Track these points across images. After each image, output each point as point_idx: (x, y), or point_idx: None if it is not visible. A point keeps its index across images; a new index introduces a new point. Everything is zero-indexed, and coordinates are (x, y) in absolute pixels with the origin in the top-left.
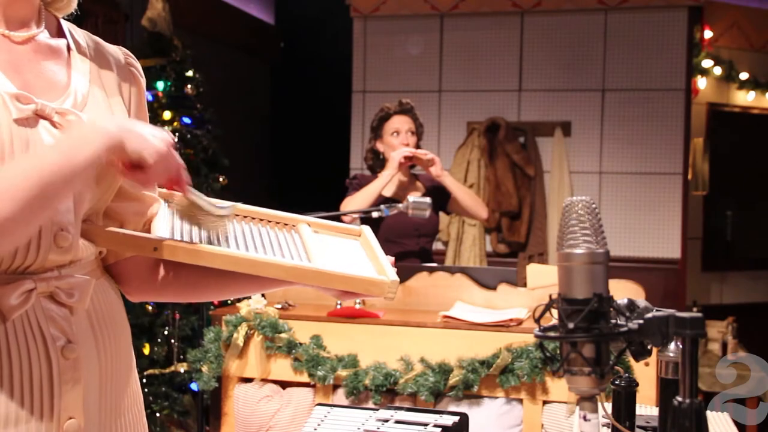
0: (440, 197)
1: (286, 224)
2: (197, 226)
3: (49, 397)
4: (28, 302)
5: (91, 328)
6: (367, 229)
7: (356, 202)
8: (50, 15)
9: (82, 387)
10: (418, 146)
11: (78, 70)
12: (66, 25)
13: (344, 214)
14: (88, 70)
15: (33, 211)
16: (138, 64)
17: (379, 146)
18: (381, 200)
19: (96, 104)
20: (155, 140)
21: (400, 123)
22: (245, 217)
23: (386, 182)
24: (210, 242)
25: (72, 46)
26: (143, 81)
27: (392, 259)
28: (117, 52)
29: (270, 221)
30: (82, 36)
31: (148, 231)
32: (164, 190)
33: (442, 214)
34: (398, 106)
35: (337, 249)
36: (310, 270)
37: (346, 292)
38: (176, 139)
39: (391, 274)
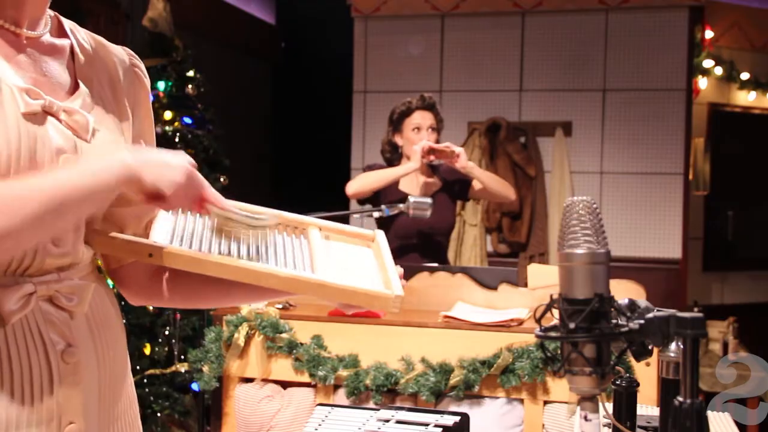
0: (460, 187)
1: (296, 227)
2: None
3: (50, 402)
4: (28, 306)
5: (90, 332)
6: (380, 235)
7: (370, 178)
8: (52, 15)
9: (83, 391)
10: (437, 142)
11: (83, 71)
12: (68, 25)
13: (349, 215)
14: (93, 71)
15: (37, 227)
16: (142, 65)
17: (398, 140)
18: (399, 194)
19: (102, 106)
20: (172, 172)
21: (422, 119)
22: None
23: (406, 173)
24: (210, 249)
25: (75, 46)
26: (147, 82)
27: (401, 270)
28: (121, 52)
29: (279, 224)
30: (85, 36)
31: (149, 233)
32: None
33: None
34: (421, 101)
35: (345, 257)
36: (310, 282)
37: (349, 304)
38: (177, 140)
39: (397, 288)
